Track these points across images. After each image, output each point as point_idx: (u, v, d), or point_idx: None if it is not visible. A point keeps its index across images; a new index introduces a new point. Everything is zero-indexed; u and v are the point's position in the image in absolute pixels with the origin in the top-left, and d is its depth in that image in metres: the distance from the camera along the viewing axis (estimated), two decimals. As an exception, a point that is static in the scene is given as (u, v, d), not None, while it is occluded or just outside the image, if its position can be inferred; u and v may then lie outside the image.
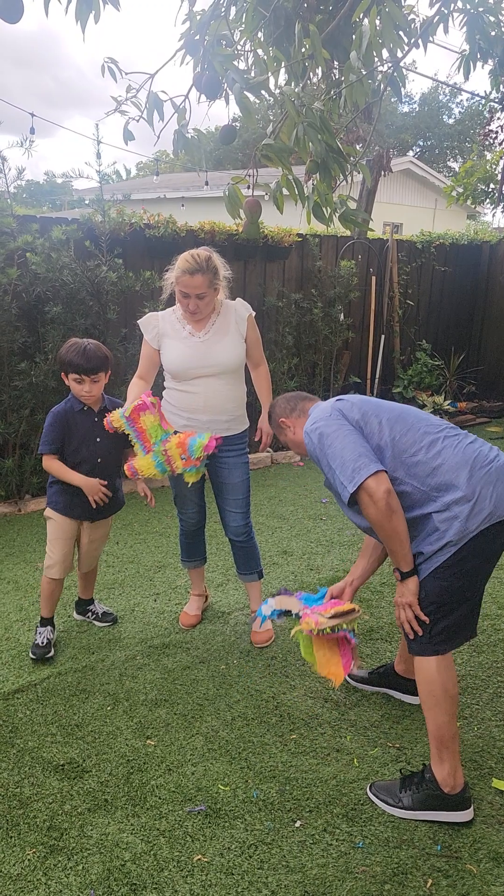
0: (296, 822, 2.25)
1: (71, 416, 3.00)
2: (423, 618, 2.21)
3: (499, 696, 2.87)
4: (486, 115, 9.90)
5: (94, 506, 3.03)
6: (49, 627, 3.20)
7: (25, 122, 4.86)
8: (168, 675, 3.01)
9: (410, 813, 2.26)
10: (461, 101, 33.12)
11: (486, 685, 2.95)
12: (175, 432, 2.86)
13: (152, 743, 2.60)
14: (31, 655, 3.11)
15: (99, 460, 3.04)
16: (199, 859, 2.11)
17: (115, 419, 2.82)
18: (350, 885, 2.02)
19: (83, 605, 3.49)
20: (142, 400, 2.78)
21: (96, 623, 3.43)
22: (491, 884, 2.04)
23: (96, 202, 5.24)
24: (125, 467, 2.96)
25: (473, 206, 10.43)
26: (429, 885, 2.03)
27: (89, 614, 3.47)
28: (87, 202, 5.58)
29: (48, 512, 3.11)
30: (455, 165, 32.55)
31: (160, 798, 2.35)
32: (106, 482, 3.03)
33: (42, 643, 3.13)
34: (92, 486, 2.98)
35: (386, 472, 2.13)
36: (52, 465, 2.99)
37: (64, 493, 3.06)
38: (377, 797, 2.32)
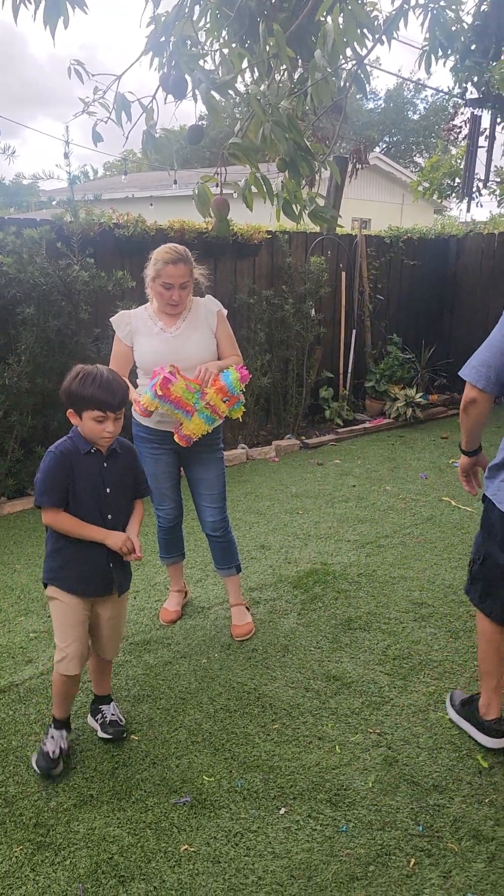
0: (280, 809, 2.29)
1: (76, 458, 2.34)
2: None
3: (475, 680, 2.94)
4: (450, 111, 10.05)
5: (116, 565, 2.45)
6: (63, 732, 2.52)
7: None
8: (150, 671, 3.04)
9: (457, 717, 2.66)
10: (426, 96, 33.41)
11: (464, 669, 3.02)
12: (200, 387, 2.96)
13: (136, 738, 2.62)
14: (34, 766, 2.44)
15: (109, 517, 2.41)
16: (185, 849, 2.14)
17: (148, 402, 2.84)
18: (335, 868, 2.07)
19: (97, 704, 2.72)
20: (164, 374, 2.83)
21: (100, 733, 2.62)
22: (472, 861, 2.10)
23: (66, 203, 5.24)
24: (176, 438, 2.98)
25: (440, 201, 10.56)
26: (411, 864, 2.08)
27: (98, 716, 2.66)
28: (55, 202, 5.56)
29: (51, 591, 2.44)
30: (421, 160, 32.83)
31: (145, 791, 2.37)
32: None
33: (52, 753, 2.42)
34: (119, 539, 2.36)
35: (486, 392, 2.36)
36: (59, 520, 2.32)
37: (73, 565, 2.39)
38: (449, 699, 2.75)
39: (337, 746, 2.57)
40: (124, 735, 2.62)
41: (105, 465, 2.39)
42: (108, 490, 2.39)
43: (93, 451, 2.36)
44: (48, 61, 55.67)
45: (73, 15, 2.62)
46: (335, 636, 3.29)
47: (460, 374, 2.41)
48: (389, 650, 3.17)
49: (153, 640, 3.29)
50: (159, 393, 2.80)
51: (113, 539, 2.36)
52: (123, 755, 2.54)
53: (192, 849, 2.14)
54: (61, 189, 5.39)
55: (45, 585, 2.47)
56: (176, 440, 2.98)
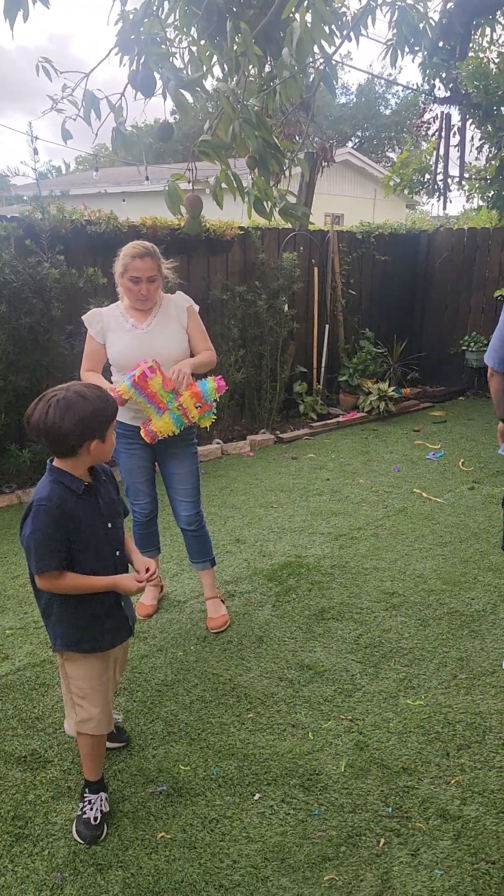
0: (255, 795, 2.35)
1: (73, 505, 2.04)
2: None
3: (444, 666, 3.02)
4: (420, 106, 10.13)
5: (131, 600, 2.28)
6: (103, 794, 2.28)
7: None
8: (127, 665, 3.07)
9: None
10: (397, 91, 33.55)
11: (433, 656, 3.10)
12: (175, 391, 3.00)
13: (112, 730, 2.66)
14: (75, 837, 2.19)
15: (118, 553, 2.20)
16: (162, 836, 2.19)
17: (124, 391, 2.86)
18: (308, 850, 2.13)
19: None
20: (146, 366, 2.87)
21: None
22: (439, 839, 2.17)
23: (35, 199, 5.22)
24: (143, 433, 2.99)
25: (411, 196, 10.66)
26: (381, 844, 2.15)
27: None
28: (25, 198, 5.54)
29: (69, 656, 2.17)
30: (393, 155, 33.00)
31: (122, 782, 2.42)
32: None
33: (95, 819, 2.20)
34: (131, 583, 2.11)
35: (498, 371, 2.80)
36: (63, 582, 2.04)
37: (88, 625, 2.13)
38: None
39: (310, 733, 2.63)
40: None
41: (99, 500, 2.12)
42: (109, 525, 2.14)
43: (86, 486, 2.09)
44: (17, 54, 54.92)
45: (34, 8, 2.61)
46: (308, 626, 3.35)
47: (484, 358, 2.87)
48: (361, 639, 3.24)
49: (129, 634, 3.32)
50: (134, 381, 2.84)
51: (125, 584, 2.11)
52: (100, 747, 2.57)
53: (168, 836, 2.19)
54: (32, 185, 5.35)
55: (58, 651, 2.19)
56: (142, 434, 3.01)
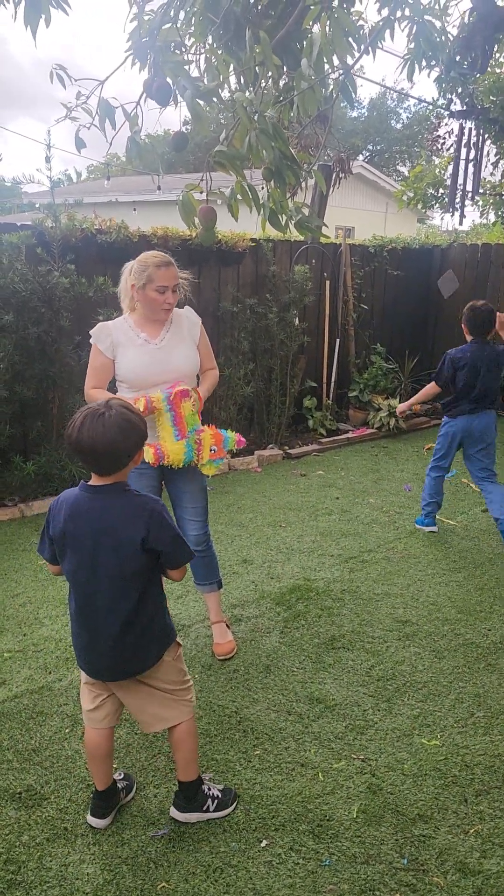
0: (262, 841, 2.21)
1: None
2: None
3: (460, 703, 2.89)
4: (433, 121, 10.07)
5: None
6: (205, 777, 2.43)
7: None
8: (128, 693, 2.94)
9: None
10: (409, 105, 33.63)
11: (448, 691, 2.96)
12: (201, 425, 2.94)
13: (112, 766, 2.53)
14: (223, 812, 2.31)
15: None
16: (163, 887, 2.06)
17: (157, 401, 2.78)
18: (318, 905, 1.99)
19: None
20: (185, 387, 2.80)
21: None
22: (458, 895, 2.03)
23: (47, 207, 5.14)
24: (152, 452, 2.83)
25: (424, 211, 10.58)
26: (396, 900, 2.02)
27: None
28: (37, 206, 5.46)
29: (178, 643, 2.26)
30: (404, 169, 33.03)
31: (122, 823, 2.29)
32: None
33: (221, 788, 2.38)
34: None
35: None
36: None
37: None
38: None
39: (320, 774, 2.50)
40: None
41: None
42: None
43: None
44: (28, 62, 55.35)
45: (55, 15, 2.55)
46: (318, 656, 3.22)
47: None
48: (373, 671, 3.10)
49: (132, 659, 3.20)
50: (170, 397, 2.77)
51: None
52: (99, 784, 2.44)
53: (169, 886, 2.06)
54: (44, 192, 5.26)
55: (166, 653, 2.18)
56: (150, 453, 2.86)
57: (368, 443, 7.18)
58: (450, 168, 8.43)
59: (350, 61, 2.99)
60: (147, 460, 2.84)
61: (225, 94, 3.20)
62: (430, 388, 4.58)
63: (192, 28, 3.19)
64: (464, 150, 7.87)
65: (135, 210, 12.25)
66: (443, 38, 4.18)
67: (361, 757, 2.58)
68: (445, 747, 2.63)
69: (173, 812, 2.28)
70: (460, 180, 7.34)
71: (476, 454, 4.45)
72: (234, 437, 3.00)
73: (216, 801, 2.31)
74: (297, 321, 6.82)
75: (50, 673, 3.09)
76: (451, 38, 4.99)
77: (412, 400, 4.75)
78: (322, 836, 2.23)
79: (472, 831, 2.25)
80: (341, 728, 2.73)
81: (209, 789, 2.33)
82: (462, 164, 7.37)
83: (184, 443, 2.86)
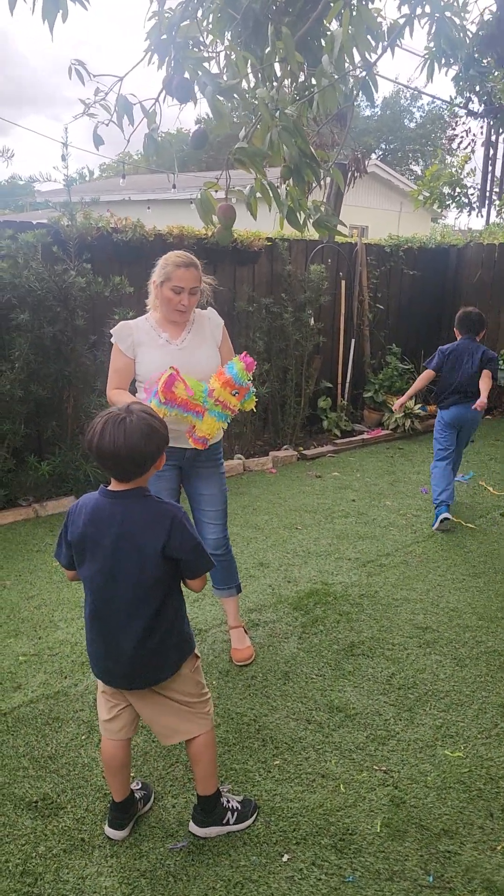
0: (283, 855, 2.16)
1: None
2: None
3: (483, 713, 2.82)
4: (447, 120, 9.99)
5: None
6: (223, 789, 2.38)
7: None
8: (145, 700, 2.90)
9: None
10: (422, 104, 33.47)
11: (471, 700, 2.90)
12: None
13: (130, 774, 2.48)
14: (243, 825, 2.26)
15: None
16: (183, 901, 2.01)
17: (156, 411, 2.66)
18: (342, 923, 1.94)
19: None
20: (164, 379, 2.66)
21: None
22: (486, 915, 1.97)
23: (63, 206, 5.10)
24: (192, 443, 2.80)
25: (440, 210, 10.49)
26: (423, 919, 1.96)
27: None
28: (51, 204, 5.42)
29: (193, 658, 2.19)
30: (417, 168, 32.86)
31: (140, 835, 2.24)
32: None
33: (241, 799, 2.33)
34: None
35: None
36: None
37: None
38: None
39: (341, 785, 2.44)
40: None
41: None
42: None
43: None
44: (39, 61, 55.53)
45: (73, 9, 2.51)
46: (338, 663, 3.16)
47: None
48: (394, 679, 3.04)
49: (148, 664, 3.15)
50: (163, 400, 2.65)
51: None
52: (116, 793, 2.40)
53: (189, 901, 2.01)
54: (57, 190, 5.22)
55: (184, 664, 2.12)
56: (192, 444, 2.82)
57: (384, 444, 7.11)
58: (467, 167, 8.35)
59: (371, 58, 2.93)
60: (196, 447, 2.82)
61: (244, 90, 3.15)
62: (423, 375, 5.03)
63: (210, 26, 3.15)
64: (483, 150, 7.79)
65: (149, 209, 12.22)
66: (462, 35, 4.13)
67: (384, 768, 2.52)
68: (469, 759, 2.56)
69: (192, 827, 2.23)
70: (488, 178, 7.26)
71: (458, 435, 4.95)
72: (240, 367, 2.77)
73: (236, 814, 2.26)
74: (312, 321, 6.76)
75: (66, 677, 3.05)
76: (471, 36, 4.91)
77: (408, 393, 5.05)
78: (345, 851, 2.17)
79: (499, 848, 2.19)
80: (362, 738, 2.67)
81: (228, 801, 2.28)
82: (493, 161, 7.29)
83: (208, 414, 2.76)
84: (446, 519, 4.70)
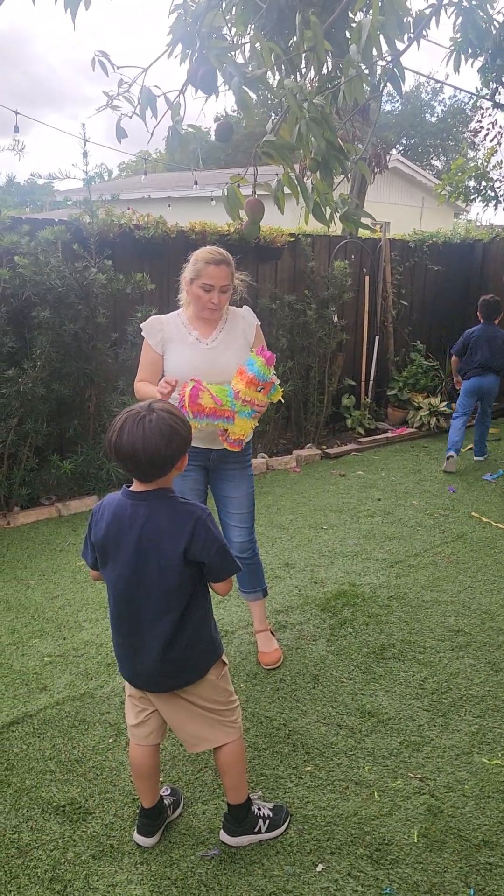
0: (317, 865, 2.10)
1: None
2: None
3: (521, 719, 2.74)
4: (469, 114, 9.85)
5: None
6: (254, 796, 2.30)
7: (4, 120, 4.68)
8: (172, 702, 2.85)
9: None
10: (443, 99, 33.16)
11: (507, 706, 2.82)
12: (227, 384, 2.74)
13: (159, 779, 2.43)
14: (276, 833, 2.20)
15: None
16: (215, 913, 1.95)
17: (196, 429, 2.59)
18: (380, 938, 1.87)
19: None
20: (188, 393, 2.61)
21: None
22: (529, 931, 1.90)
23: (84, 203, 5.07)
24: (227, 446, 2.76)
25: (464, 205, 10.35)
26: (464, 935, 1.89)
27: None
28: (69, 203, 5.39)
29: (220, 665, 2.11)
30: (438, 164, 32.56)
31: (170, 842, 2.19)
32: None
33: (273, 806, 2.27)
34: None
35: None
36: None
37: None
38: None
39: (376, 793, 2.37)
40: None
41: None
42: None
43: None
44: (57, 60, 55.80)
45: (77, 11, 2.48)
46: (368, 666, 3.09)
47: None
48: (426, 683, 2.97)
49: (174, 666, 3.10)
50: (191, 414, 2.58)
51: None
52: (145, 799, 2.35)
53: (222, 912, 1.96)
54: (76, 189, 5.19)
55: (210, 671, 2.06)
56: (229, 448, 2.77)
57: (408, 442, 7.02)
58: (493, 159, 8.21)
59: (400, 48, 2.86)
60: (233, 449, 2.78)
61: (270, 81, 3.08)
62: (453, 361, 6.34)
63: (234, 18, 3.09)
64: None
65: (169, 206, 12.19)
66: (490, 25, 4.03)
67: (419, 776, 2.45)
68: (508, 767, 2.48)
69: (223, 836, 2.17)
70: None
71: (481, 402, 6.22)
72: (261, 363, 2.68)
73: (267, 822, 2.20)
74: (335, 318, 6.68)
75: (91, 679, 3.01)
76: (497, 26, 4.81)
77: (455, 380, 6.40)
78: (381, 862, 2.11)
79: (541, 860, 2.11)
80: (396, 744, 2.60)
81: (259, 809, 2.21)
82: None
83: (238, 416, 2.69)
84: (451, 457, 5.92)
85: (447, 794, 2.36)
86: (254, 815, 2.18)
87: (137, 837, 2.18)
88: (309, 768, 2.48)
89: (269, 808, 2.24)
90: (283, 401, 2.97)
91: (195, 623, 1.99)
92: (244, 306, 3.00)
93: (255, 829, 2.17)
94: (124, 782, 2.42)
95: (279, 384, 2.80)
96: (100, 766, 2.50)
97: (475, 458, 6.39)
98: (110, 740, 2.63)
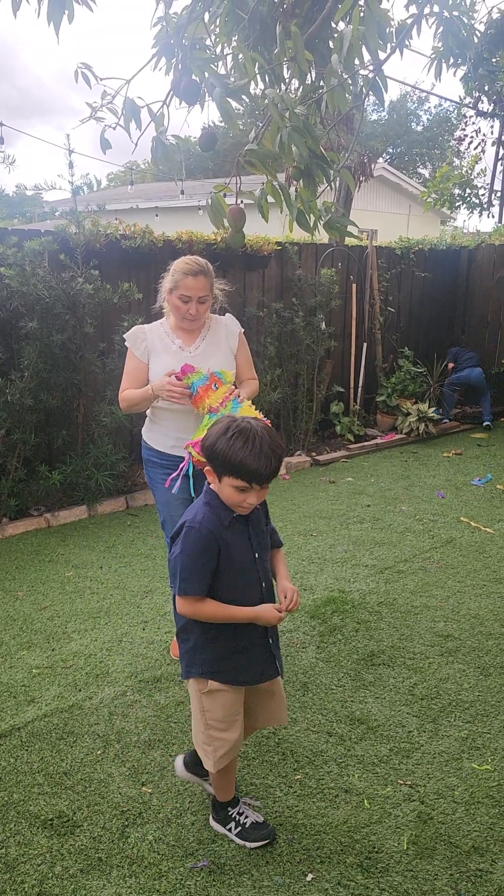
0: (307, 875, 2.09)
1: (222, 532, 1.97)
2: None
3: (510, 723, 2.74)
4: (454, 122, 9.94)
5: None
6: (242, 801, 2.31)
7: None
8: (161, 713, 2.83)
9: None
10: (429, 108, 33.42)
11: (497, 711, 2.82)
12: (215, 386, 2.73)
13: (147, 790, 2.42)
14: (252, 844, 2.17)
15: (264, 584, 2.08)
16: (204, 925, 1.94)
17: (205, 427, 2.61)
18: None
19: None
20: (201, 387, 2.63)
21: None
22: (520, 937, 1.89)
23: (70, 213, 5.07)
24: (195, 452, 2.66)
25: (450, 212, 10.42)
26: (454, 942, 1.88)
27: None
28: (57, 213, 5.39)
29: (212, 685, 2.06)
30: (425, 172, 32.79)
31: (159, 854, 2.17)
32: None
33: (258, 819, 2.22)
34: (272, 614, 2.00)
35: None
36: (203, 609, 1.98)
37: (237, 655, 2.06)
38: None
39: (365, 801, 2.36)
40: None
41: (249, 530, 2.03)
42: (257, 556, 2.05)
43: (235, 517, 1.99)
44: (43, 71, 55.94)
45: (78, 10, 2.48)
46: (357, 673, 3.09)
47: None
48: (416, 689, 2.96)
49: (164, 676, 3.09)
50: (213, 409, 2.62)
51: (266, 616, 1.99)
52: (134, 811, 2.33)
53: (211, 924, 1.94)
54: (64, 200, 5.18)
55: (190, 679, 2.12)
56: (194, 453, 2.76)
57: (397, 448, 7.03)
58: (477, 167, 8.28)
59: (382, 57, 2.88)
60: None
61: (252, 91, 3.11)
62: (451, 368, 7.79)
63: (217, 27, 3.11)
64: (493, 150, 7.71)
65: (157, 216, 12.22)
66: (470, 34, 4.08)
67: (409, 782, 2.44)
68: (497, 772, 2.48)
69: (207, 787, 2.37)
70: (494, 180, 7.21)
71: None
72: (227, 375, 2.72)
73: (239, 829, 2.21)
74: (323, 325, 6.70)
75: (80, 690, 2.99)
76: (479, 35, 4.86)
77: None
78: (371, 870, 2.10)
79: (531, 865, 2.11)
80: (385, 751, 2.60)
81: (240, 815, 2.24)
82: (494, 161, 7.22)
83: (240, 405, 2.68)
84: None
85: (437, 801, 2.36)
86: (229, 816, 2.24)
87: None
88: (299, 777, 2.47)
89: (252, 821, 2.22)
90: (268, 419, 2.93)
91: (185, 621, 2.08)
92: (227, 314, 3.01)
93: (227, 828, 2.24)
94: (112, 795, 2.40)
95: (238, 403, 2.70)
96: (88, 778, 2.48)
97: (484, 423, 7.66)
98: (99, 752, 2.61)
